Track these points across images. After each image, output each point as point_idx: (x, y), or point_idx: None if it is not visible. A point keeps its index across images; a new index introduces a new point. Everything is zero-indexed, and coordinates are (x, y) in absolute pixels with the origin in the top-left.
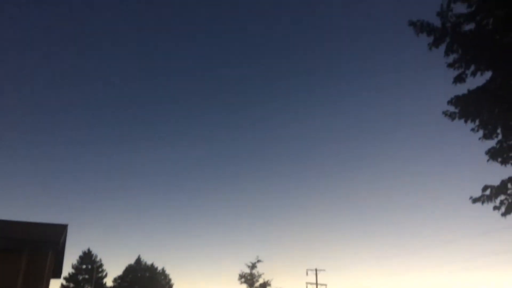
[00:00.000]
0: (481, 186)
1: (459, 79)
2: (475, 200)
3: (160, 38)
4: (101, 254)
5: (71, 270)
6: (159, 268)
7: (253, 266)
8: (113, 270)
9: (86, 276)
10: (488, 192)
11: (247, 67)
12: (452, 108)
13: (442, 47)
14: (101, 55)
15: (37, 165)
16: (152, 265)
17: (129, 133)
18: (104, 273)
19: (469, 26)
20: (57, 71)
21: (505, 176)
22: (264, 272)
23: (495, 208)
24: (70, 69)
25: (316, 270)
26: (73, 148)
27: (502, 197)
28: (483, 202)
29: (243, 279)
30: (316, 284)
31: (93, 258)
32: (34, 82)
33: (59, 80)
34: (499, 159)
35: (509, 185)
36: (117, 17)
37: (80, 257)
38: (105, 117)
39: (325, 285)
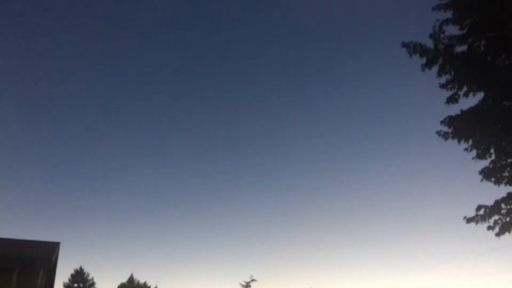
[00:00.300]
0: (475, 206)
1: (452, 99)
2: (469, 220)
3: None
4: (93, 272)
5: None
6: (152, 286)
7: (247, 285)
8: None
9: None
10: (482, 212)
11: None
12: (445, 128)
13: (435, 68)
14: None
15: (29, 182)
16: (145, 283)
17: (122, 151)
18: None
19: (461, 48)
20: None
21: (498, 196)
22: None
23: (489, 228)
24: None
25: None
26: (65, 166)
27: (496, 217)
28: (477, 222)
29: None
30: None
31: (85, 276)
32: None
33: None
34: (493, 179)
35: (502, 205)
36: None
37: (72, 275)
38: (97, 134)
39: None
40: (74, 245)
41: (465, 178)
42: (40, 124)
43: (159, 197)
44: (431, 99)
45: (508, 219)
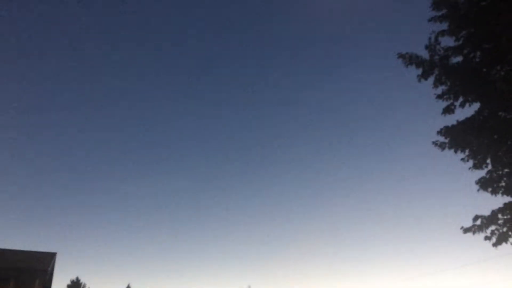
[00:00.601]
0: (473, 216)
1: (448, 110)
2: (466, 230)
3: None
4: (90, 282)
5: None
6: None
7: None
8: None
9: None
10: (479, 222)
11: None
12: (442, 138)
13: (431, 79)
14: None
15: (24, 192)
16: None
17: (119, 161)
18: None
19: (457, 59)
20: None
21: (495, 206)
22: None
23: (486, 238)
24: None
25: None
26: (62, 175)
27: (493, 227)
28: (474, 232)
29: None
30: None
31: (81, 287)
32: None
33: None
34: (489, 189)
35: (499, 215)
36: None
37: (68, 286)
38: (93, 144)
39: None
40: (71, 255)
41: (462, 188)
42: (37, 134)
43: (156, 207)
44: (428, 109)
45: (505, 229)
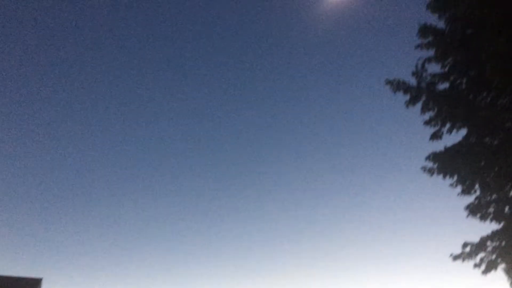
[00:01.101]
0: (462, 242)
1: (436, 136)
2: (455, 257)
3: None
4: None
5: None
6: None
7: None
8: None
9: None
10: (468, 249)
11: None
12: (430, 164)
13: (419, 105)
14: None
15: (9, 214)
16: None
17: (108, 185)
18: None
19: (443, 85)
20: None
21: (484, 233)
22: None
23: (476, 265)
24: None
25: None
26: (49, 198)
27: (482, 254)
28: (463, 260)
29: None
30: None
31: None
32: None
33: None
34: (478, 215)
35: (488, 243)
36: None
37: None
38: (81, 166)
39: None
40: (58, 281)
41: (451, 213)
42: (21, 151)
43: (146, 233)
44: (416, 134)
45: (493, 257)
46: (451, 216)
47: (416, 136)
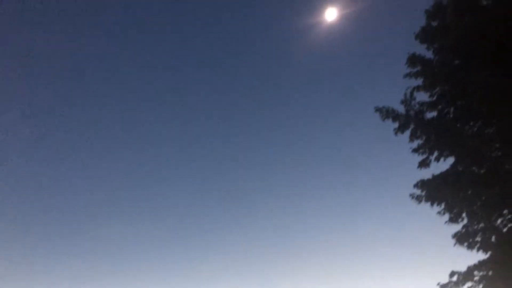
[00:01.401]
0: (449, 271)
1: (424, 164)
2: (443, 287)
3: None
4: None
5: None
6: None
7: None
8: None
9: None
10: (455, 278)
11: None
12: (418, 191)
13: (407, 133)
14: None
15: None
16: None
17: (100, 201)
18: None
19: (431, 114)
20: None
21: (472, 261)
22: None
23: None
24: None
25: None
26: (39, 217)
27: (469, 283)
28: None
29: None
30: None
31: None
32: None
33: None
34: (465, 244)
35: (475, 272)
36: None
37: None
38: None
39: None
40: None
41: (438, 242)
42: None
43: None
44: (403, 161)
45: (481, 287)
46: (438, 245)
47: (404, 163)
